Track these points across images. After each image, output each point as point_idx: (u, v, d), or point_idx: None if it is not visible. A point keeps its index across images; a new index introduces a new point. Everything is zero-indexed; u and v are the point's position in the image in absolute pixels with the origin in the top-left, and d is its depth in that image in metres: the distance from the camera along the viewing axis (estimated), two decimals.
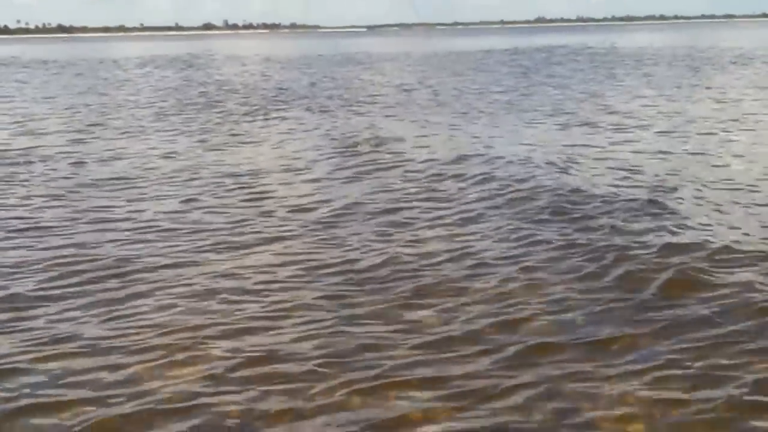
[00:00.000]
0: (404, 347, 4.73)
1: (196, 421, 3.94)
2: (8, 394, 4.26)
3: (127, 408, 4.07)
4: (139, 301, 5.65)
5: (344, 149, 12.45)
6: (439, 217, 7.84)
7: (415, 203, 8.53)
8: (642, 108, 16.98)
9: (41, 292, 5.88)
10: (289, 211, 8.39)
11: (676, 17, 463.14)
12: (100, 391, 4.27)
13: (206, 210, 8.62)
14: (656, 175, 9.50)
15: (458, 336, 4.87)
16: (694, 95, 19.50)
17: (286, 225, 7.81)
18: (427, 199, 8.68)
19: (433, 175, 10.00)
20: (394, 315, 5.27)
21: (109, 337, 4.98)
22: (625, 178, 9.46)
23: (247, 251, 6.90)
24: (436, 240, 7.05)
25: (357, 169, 10.79)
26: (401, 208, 8.29)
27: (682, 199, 8.27)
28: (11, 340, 4.96)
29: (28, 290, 5.94)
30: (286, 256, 6.70)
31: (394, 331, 4.99)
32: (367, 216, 8.07)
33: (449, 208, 8.25)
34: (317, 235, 7.37)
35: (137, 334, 5.03)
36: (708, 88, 21.32)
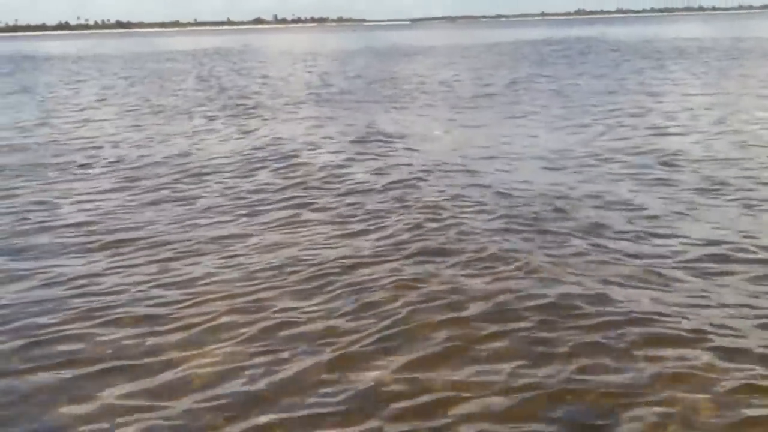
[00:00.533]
0: (420, 308, 5.26)
1: (230, 387, 4.21)
2: (62, 359, 4.62)
3: (164, 375, 4.38)
4: (186, 272, 6.15)
5: (370, 141, 12.69)
6: (445, 199, 8.30)
7: (418, 190, 8.87)
8: (680, 99, 17.04)
9: (99, 268, 6.35)
10: (319, 190, 9.14)
11: (713, 8, 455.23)
12: (141, 358, 4.60)
13: (248, 184, 9.66)
14: (694, 171, 9.41)
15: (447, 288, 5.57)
16: (733, 87, 19.26)
17: (317, 202, 8.57)
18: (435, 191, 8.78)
19: (443, 170, 10.00)
20: (410, 276, 5.88)
21: (156, 305, 5.47)
22: (660, 174, 9.59)
23: (282, 225, 7.66)
24: (441, 217, 7.60)
25: (374, 157, 11.17)
26: (411, 191, 8.82)
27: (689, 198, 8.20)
28: (70, 309, 5.43)
29: (89, 264, 6.48)
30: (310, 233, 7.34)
31: (408, 290, 5.60)
32: (384, 193, 8.81)
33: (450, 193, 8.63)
34: (345, 210, 8.11)
35: (180, 302, 5.49)
36: (747, 77, 21.26)
